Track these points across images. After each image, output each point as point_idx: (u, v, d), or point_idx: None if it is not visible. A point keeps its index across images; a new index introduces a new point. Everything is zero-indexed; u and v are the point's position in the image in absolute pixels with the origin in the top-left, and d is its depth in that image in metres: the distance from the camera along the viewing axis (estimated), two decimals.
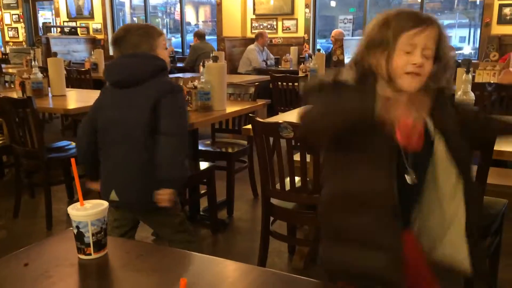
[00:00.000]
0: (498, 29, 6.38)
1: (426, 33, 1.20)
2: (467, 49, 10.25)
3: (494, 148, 1.74)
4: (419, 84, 1.23)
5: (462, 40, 12.30)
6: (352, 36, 8.27)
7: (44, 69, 4.10)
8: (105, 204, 1.03)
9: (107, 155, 1.93)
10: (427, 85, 1.25)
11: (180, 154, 1.86)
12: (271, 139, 2.14)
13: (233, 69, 7.24)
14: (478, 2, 8.63)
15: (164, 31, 12.75)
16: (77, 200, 1.03)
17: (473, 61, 6.33)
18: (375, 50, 1.22)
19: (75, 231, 1.00)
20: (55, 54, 3.96)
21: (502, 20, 6.35)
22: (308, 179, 2.13)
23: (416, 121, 1.17)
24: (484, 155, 1.78)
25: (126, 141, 1.87)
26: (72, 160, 1.01)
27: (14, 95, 3.55)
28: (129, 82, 1.89)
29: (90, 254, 1.01)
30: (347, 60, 6.53)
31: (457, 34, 12.78)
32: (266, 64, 7.10)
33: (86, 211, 0.99)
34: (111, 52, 9.67)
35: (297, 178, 2.16)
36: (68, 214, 1.02)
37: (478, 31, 7.29)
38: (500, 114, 3.45)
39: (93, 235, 0.99)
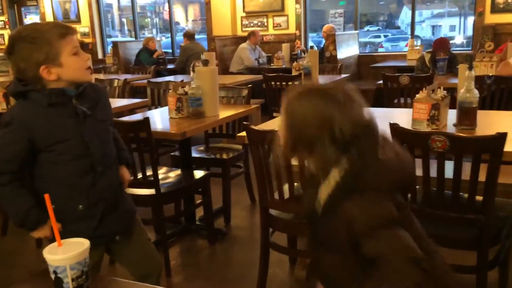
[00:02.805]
0: (492, 18, 6.28)
1: None
2: (459, 39, 10.15)
3: (505, 149, 1.65)
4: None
5: (453, 29, 12.21)
6: (344, 30, 8.16)
7: None
8: (86, 243, 0.91)
9: None
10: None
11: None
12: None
13: (224, 69, 7.12)
14: None
15: (154, 31, 12.60)
16: None
17: (468, 52, 6.27)
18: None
19: (53, 276, 0.89)
20: None
21: (495, 9, 6.26)
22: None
23: None
24: (493, 156, 1.68)
25: None
26: (46, 196, 0.90)
27: None
28: None
29: None
30: (339, 55, 6.43)
31: (447, 23, 12.70)
32: (259, 62, 6.99)
33: (64, 255, 0.88)
34: (99, 56, 9.52)
35: (296, 185, 2.05)
36: None
37: (469, 19, 7.19)
38: (499, 108, 3.41)
39: (73, 280, 0.88)
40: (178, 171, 2.82)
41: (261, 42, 7.43)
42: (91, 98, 1.59)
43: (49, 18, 9.97)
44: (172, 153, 3.41)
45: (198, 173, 2.80)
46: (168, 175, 2.76)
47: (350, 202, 1.03)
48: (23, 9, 10.69)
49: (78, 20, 9.66)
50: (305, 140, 1.07)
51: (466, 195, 1.79)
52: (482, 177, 1.74)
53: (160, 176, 2.51)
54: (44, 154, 1.50)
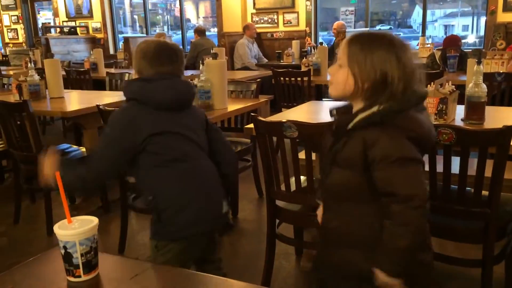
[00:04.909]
0: (504, 17, 6.24)
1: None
2: (471, 38, 10.09)
3: None
4: (334, 92, 1.28)
5: (465, 28, 12.13)
6: (354, 27, 8.14)
7: (42, 71, 4.02)
8: (95, 221, 0.94)
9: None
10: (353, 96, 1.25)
11: None
12: (275, 138, 2.05)
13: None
14: None
15: (165, 28, 12.68)
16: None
17: (477, 48, 6.22)
18: None
19: (63, 251, 0.92)
20: (51, 55, 3.87)
21: (507, 8, 6.21)
22: (314, 178, 2.04)
23: None
24: (500, 150, 1.68)
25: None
26: (57, 174, 0.92)
27: (11, 98, 3.48)
28: (183, 104, 1.78)
29: (79, 276, 0.92)
30: None
31: (460, 22, 12.62)
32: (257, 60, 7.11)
33: (74, 230, 0.91)
34: (111, 51, 9.60)
35: (302, 178, 2.07)
36: None
37: (482, 19, 7.15)
38: (509, 105, 3.39)
39: (82, 255, 0.91)
40: None
41: (271, 39, 7.46)
42: None
43: (62, 14, 10.09)
44: None
45: None
46: None
47: (377, 128, 1.17)
48: (36, 4, 10.82)
49: (90, 16, 9.76)
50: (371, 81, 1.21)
51: (472, 190, 1.79)
52: (489, 173, 1.74)
53: None
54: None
